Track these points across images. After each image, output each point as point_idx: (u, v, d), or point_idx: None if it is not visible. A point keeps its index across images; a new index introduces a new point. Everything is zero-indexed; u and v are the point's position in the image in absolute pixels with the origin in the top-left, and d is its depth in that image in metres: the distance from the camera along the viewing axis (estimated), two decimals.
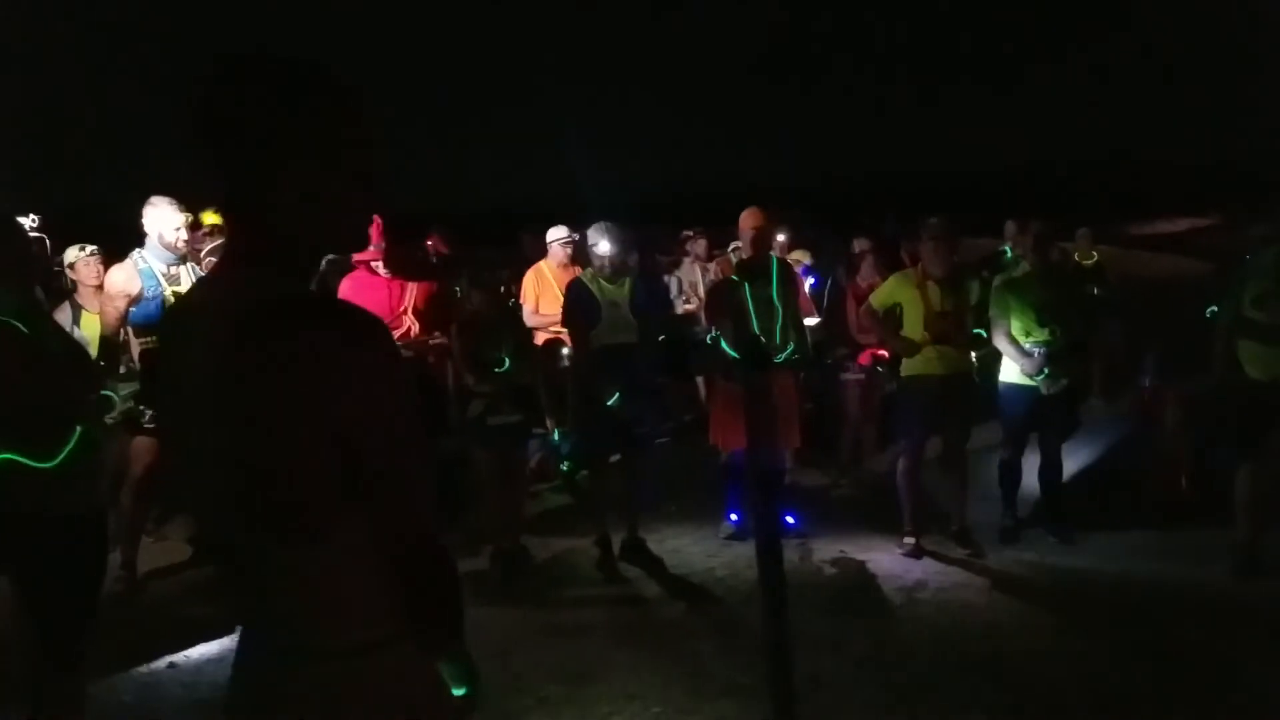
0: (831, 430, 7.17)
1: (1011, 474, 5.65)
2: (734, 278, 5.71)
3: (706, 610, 4.80)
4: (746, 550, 5.50)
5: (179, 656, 4.28)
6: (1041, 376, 5.33)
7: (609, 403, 5.04)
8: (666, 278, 8.60)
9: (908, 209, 10.36)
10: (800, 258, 7.93)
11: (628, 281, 5.21)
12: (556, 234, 6.86)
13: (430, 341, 5.74)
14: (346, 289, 5.52)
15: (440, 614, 1.43)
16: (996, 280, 5.92)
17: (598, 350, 5.09)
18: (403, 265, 5.78)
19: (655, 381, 5.25)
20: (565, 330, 5.53)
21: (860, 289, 6.92)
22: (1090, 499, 6.00)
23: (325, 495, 1.30)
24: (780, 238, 7.54)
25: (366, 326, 1.32)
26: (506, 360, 5.15)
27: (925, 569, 5.23)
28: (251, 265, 1.38)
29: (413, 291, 5.77)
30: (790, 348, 5.52)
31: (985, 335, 5.54)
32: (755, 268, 5.54)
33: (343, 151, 1.37)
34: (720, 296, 5.72)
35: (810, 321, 6.29)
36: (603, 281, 5.16)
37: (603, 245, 5.12)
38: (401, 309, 5.72)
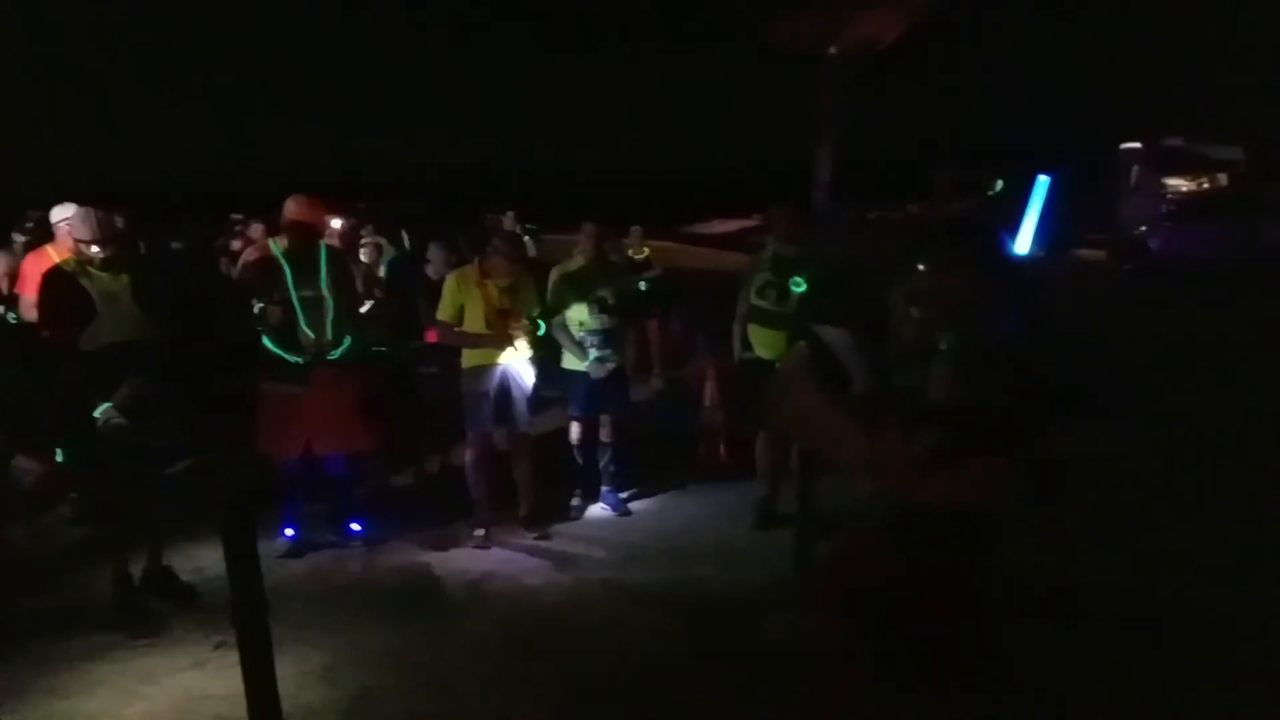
0: (413, 426, 6.95)
1: (579, 454, 5.87)
2: (277, 257, 5.12)
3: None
4: (303, 566, 5.14)
5: None
6: (591, 361, 5.61)
7: (98, 414, 4.28)
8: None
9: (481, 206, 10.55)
10: (377, 241, 7.68)
11: (129, 273, 4.47)
12: (62, 213, 5.78)
13: None
14: None
15: None
16: (553, 273, 6.11)
17: (92, 353, 4.34)
18: None
19: (170, 390, 4.54)
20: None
21: (429, 280, 6.80)
22: (651, 470, 6.41)
23: None
24: (336, 224, 7.20)
25: None
26: None
27: (494, 559, 5.24)
28: None
29: None
30: (346, 343, 5.21)
31: (546, 326, 5.68)
32: (301, 258, 5.13)
33: None
34: (256, 275, 5.13)
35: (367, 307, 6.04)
36: (95, 271, 4.40)
37: (81, 230, 4.37)
38: None
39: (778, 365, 2.98)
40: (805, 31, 4.17)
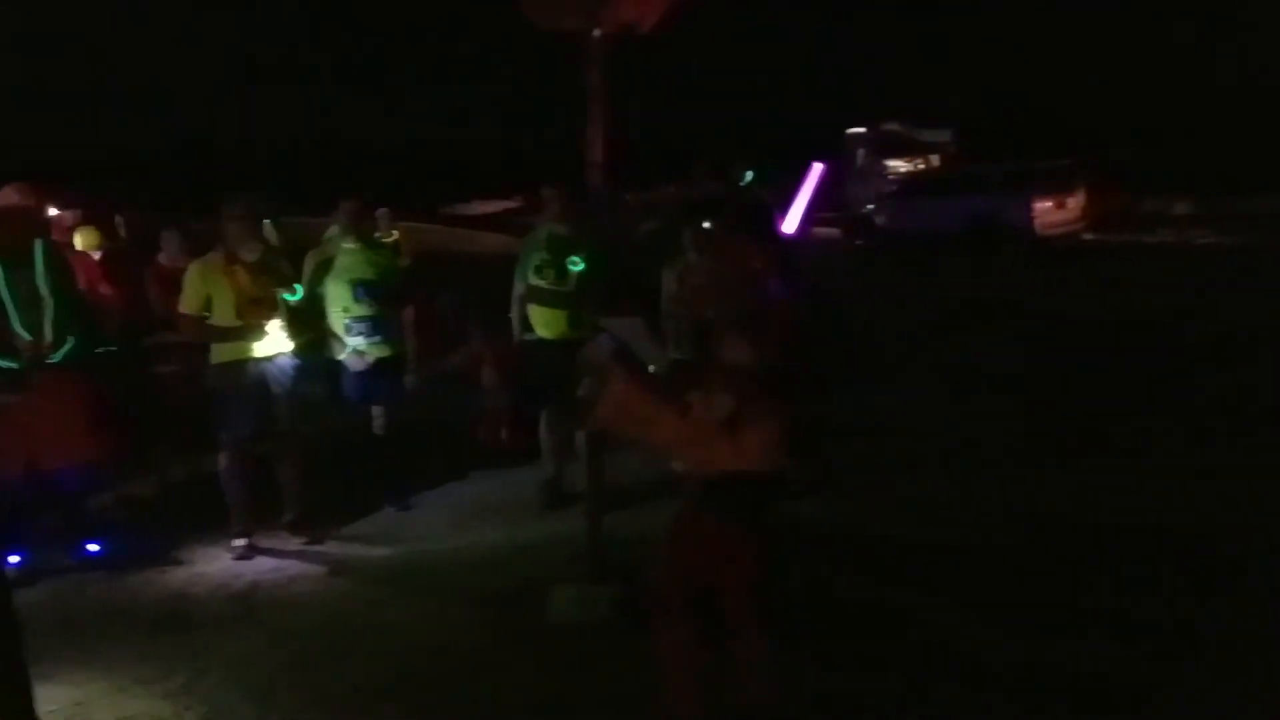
0: (153, 432, 6.29)
1: (365, 449, 5.59)
2: None
3: None
4: (38, 595, 4.52)
5: None
6: (348, 351, 5.32)
7: None
8: None
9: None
10: (89, 238, 6.82)
11: None
12: None
13: None
14: None
15: None
16: (309, 257, 5.67)
17: None
18: None
19: None
20: None
21: (163, 269, 6.19)
22: (431, 459, 6.18)
23: None
24: (53, 211, 6.40)
25: None
26: None
27: (259, 569, 4.85)
28: None
29: None
30: (69, 344, 4.62)
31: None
32: (12, 253, 4.49)
33: None
34: None
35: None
36: None
37: None
38: None
39: (579, 358, 2.97)
40: (566, 12, 4.13)
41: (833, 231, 19.37)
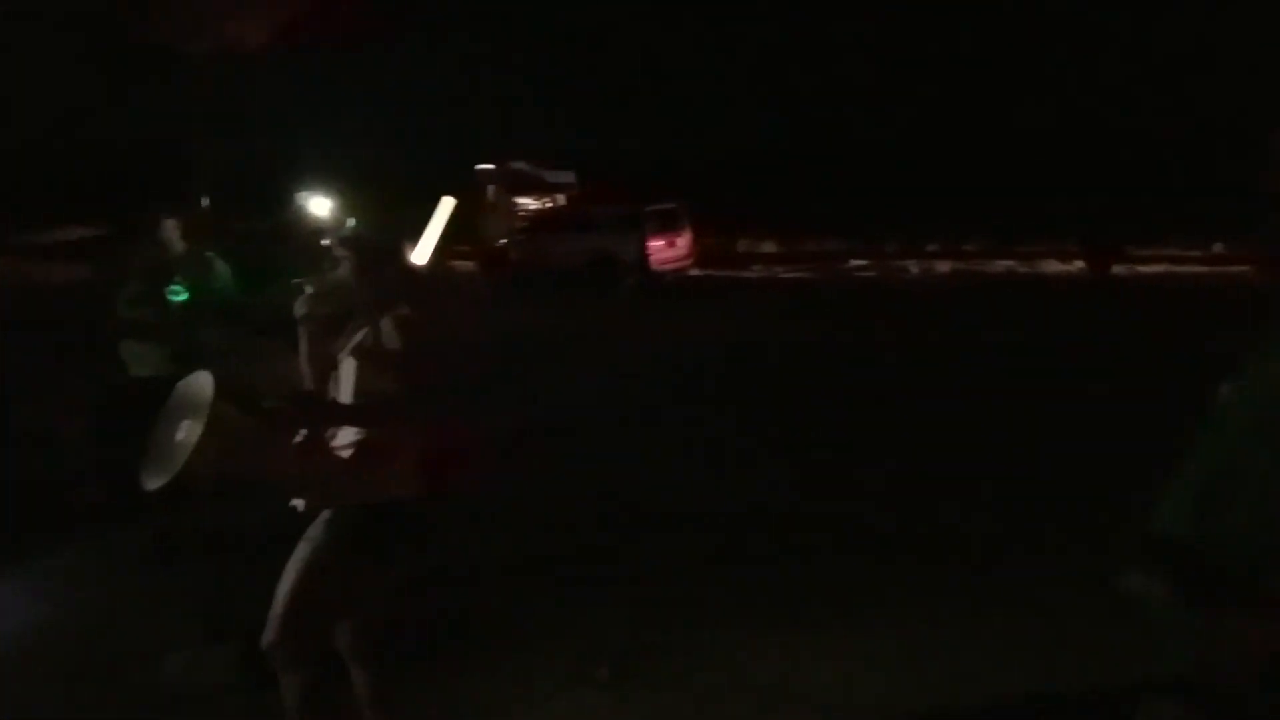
0: None
1: None
2: None
3: None
4: None
5: None
6: None
7: None
8: None
9: None
10: None
11: None
12: None
13: None
14: None
15: None
16: None
17: None
18: None
19: None
20: None
21: None
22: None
23: None
24: None
25: None
26: None
27: None
28: None
29: None
30: None
31: None
32: None
33: None
34: None
35: None
36: None
37: None
38: None
39: (173, 398, 2.64)
40: (170, 26, 3.84)
41: (469, 265, 19.62)
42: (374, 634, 2.78)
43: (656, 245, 17.26)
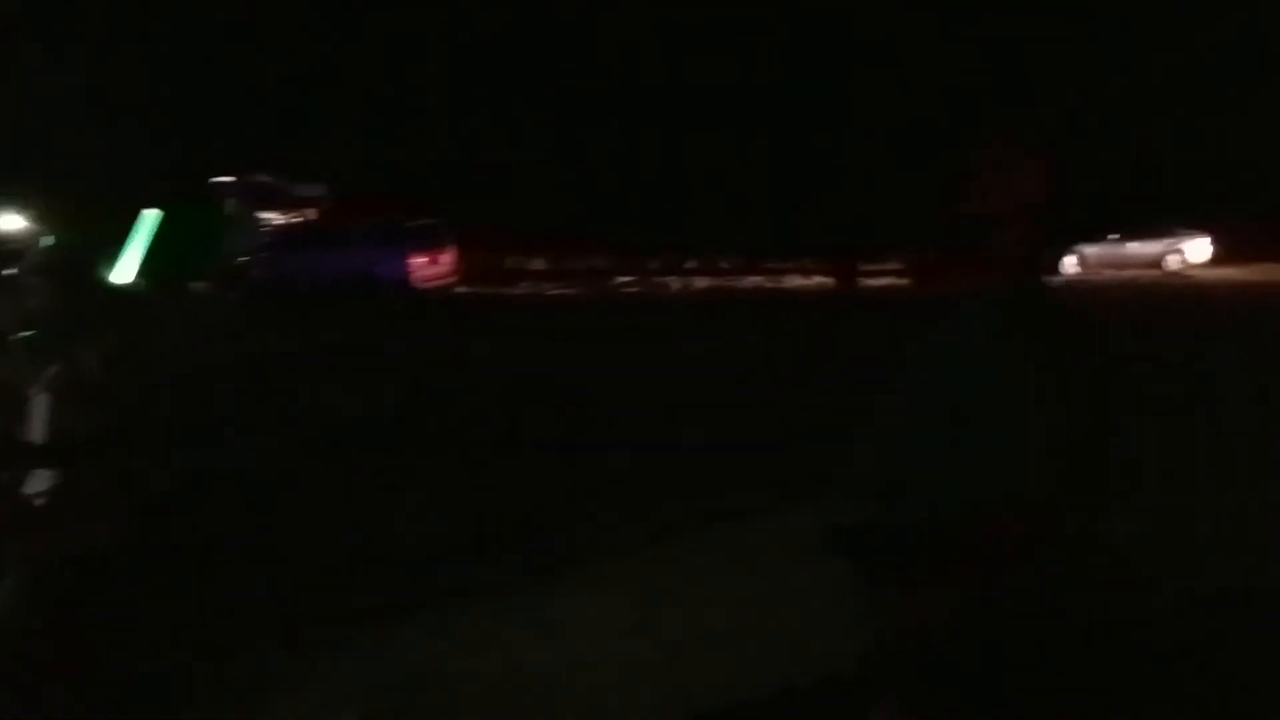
0: None
1: None
2: None
3: None
4: None
5: None
6: None
7: None
8: None
9: None
10: None
11: None
12: None
13: None
14: None
15: None
16: None
17: None
18: None
19: None
20: None
21: None
22: None
23: None
24: None
25: None
26: None
27: None
28: None
29: None
30: None
31: None
32: None
33: None
34: None
35: None
36: None
37: None
38: None
39: None
40: None
41: (204, 284, 17.91)
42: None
43: (419, 262, 16.50)
